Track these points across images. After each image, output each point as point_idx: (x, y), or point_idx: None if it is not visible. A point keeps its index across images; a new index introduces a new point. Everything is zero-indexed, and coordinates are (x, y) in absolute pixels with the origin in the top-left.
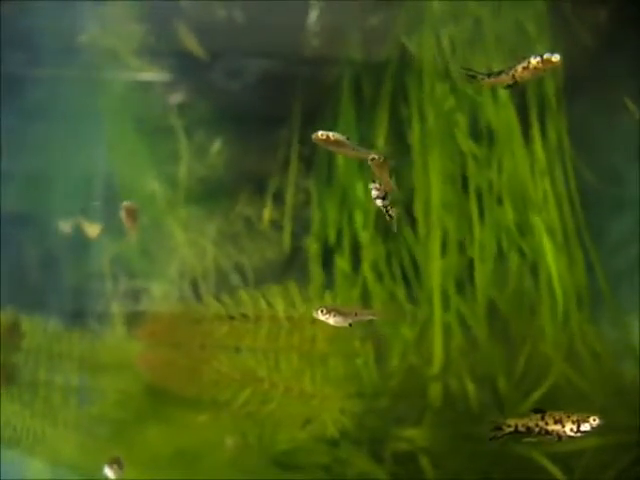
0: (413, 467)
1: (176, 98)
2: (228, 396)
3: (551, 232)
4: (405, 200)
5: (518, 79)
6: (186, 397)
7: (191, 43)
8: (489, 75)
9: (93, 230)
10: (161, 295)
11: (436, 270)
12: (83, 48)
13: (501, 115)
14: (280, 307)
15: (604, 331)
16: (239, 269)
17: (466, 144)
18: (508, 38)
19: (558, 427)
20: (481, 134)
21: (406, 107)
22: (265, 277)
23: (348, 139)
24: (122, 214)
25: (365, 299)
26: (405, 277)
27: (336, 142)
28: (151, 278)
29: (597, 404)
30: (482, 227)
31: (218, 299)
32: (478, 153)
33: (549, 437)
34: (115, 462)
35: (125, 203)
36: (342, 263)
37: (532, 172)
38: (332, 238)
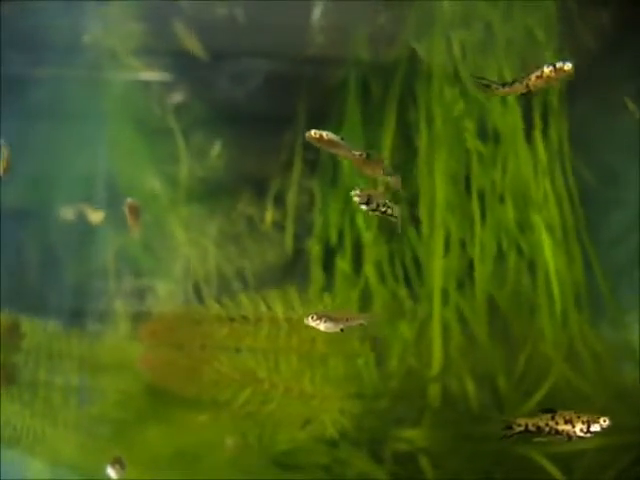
0: (413, 467)
1: (177, 98)
2: (228, 396)
3: (551, 231)
4: (410, 201)
5: (532, 88)
6: (186, 397)
7: (191, 43)
8: (503, 85)
9: (97, 216)
10: (164, 295)
11: (438, 270)
12: (84, 48)
13: (507, 117)
14: (279, 309)
15: (604, 331)
16: (241, 271)
17: (473, 146)
18: (517, 42)
19: (568, 427)
20: (487, 136)
21: (414, 109)
22: (267, 279)
23: (342, 139)
24: (125, 211)
25: (365, 300)
26: (407, 277)
27: (330, 142)
28: (153, 277)
29: (597, 404)
30: (483, 226)
31: (219, 301)
32: (484, 154)
33: (559, 437)
34: (117, 462)
35: (128, 200)
36: (343, 264)
37: (535, 172)
38: (334, 239)
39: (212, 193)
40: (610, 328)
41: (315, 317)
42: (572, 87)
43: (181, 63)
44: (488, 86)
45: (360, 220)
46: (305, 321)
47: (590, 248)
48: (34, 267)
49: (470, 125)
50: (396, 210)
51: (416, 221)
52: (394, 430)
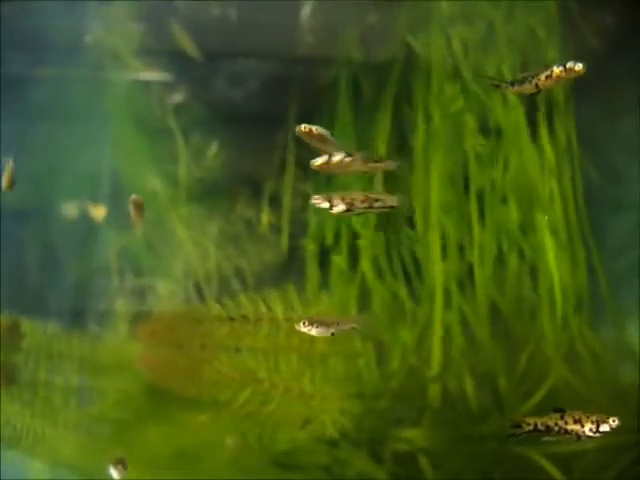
0: (412, 467)
1: (176, 98)
2: (228, 396)
3: (554, 232)
4: (405, 202)
5: (541, 87)
6: (186, 397)
7: (186, 43)
8: (513, 83)
9: (99, 212)
10: (164, 294)
11: (438, 272)
12: (86, 48)
13: (510, 115)
14: (279, 309)
15: (604, 333)
16: (239, 272)
17: (473, 144)
18: (518, 40)
19: (577, 427)
20: (488, 133)
21: (409, 108)
22: (264, 279)
23: (332, 135)
24: (129, 207)
25: (363, 298)
26: (406, 275)
27: (319, 136)
28: (153, 277)
29: (597, 405)
30: (483, 228)
31: (219, 301)
32: (483, 152)
33: (568, 436)
34: (120, 463)
35: (133, 196)
36: (339, 261)
37: (541, 171)
38: (330, 238)
39: (210, 194)
40: (610, 329)
41: (307, 323)
42: (576, 87)
43: (180, 63)
44: (498, 85)
45: (356, 219)
46: (297, 327)
47: (593, 250)
48: (34, 267)
49: (470, 122)
50: (389, 200)
51: (411, 223)
52: (394, 430)
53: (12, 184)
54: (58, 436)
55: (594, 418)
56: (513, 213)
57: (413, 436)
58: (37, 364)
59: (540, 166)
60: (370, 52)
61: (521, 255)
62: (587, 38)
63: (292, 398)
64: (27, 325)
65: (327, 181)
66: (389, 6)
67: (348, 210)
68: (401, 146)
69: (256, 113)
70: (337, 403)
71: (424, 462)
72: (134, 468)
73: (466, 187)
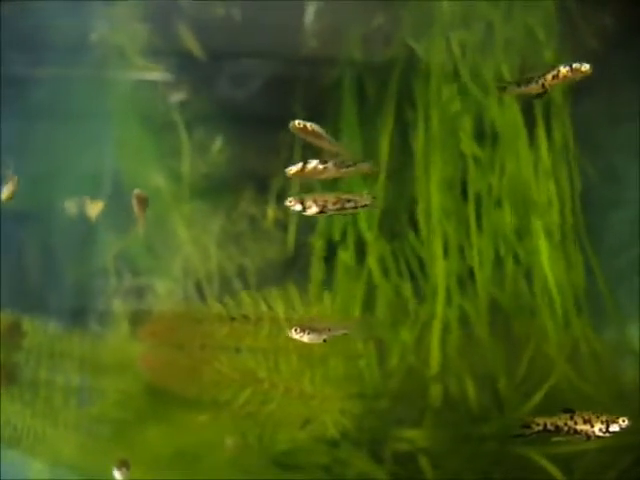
0: (413, 468)
1: (179, 97)
2: (228, 396)
3: (549, 234)
4: (408, 204)
5: (548, 88)
6: (186, 397)
7: (191, 43)
8: (519, 84)
9: (95, 208)
10: (165, 294)
11: (440, 272)
12: (91, 47)
13: (506, 116)
14: (280, 309)
15: (604, 333)
16: (242, 270)
17: (469, 147)
18: (517, 42)
19: (587, 427)
20: (485, 136)
21: (411, 110)
22: (268, 276)
23: (327, 132)
24: (133, 202)
25: (368, 296)
26: (408, 276)
27: (313, 132)
28: (154, 276)
29: (598, 406)
30: (480, 231)
31: (220, 300)
32: (481, 156)
33: (577, 437)
34: (123, 465)
35: (136, 191)
36: (346, 257)
37: (536, 174)
38: (337, 236)
39: (215, 189)
40: (611, 330)
41: (298, 329)
42: (574, 87)
43: (185, 62)
44: (504, 88)
45: (362, 220)
46: (288, 334)
47: (590, 251)
48: (35, 267)
49: (467, 125)
50: (361, 200)
51: (414, 225)
52: (394, 430)
53: (12, 196)
54: (58, 436)
55: (604, 418)
56: (508, 216)
57: (413, 436)
58: (38, 363)
59: (536, 168)
60: (375, 53)
61: (516, 258)
62: (586, 38)
63: (292, 398)
64: (28, 324)
65: (333, 181)
66: (394, 7)
67: (321, 212)
68: (404, 147)
69: (261, 112)
70: (337, 403)
71: (424, 462)
72: (135, 468)
73: (464, 190)
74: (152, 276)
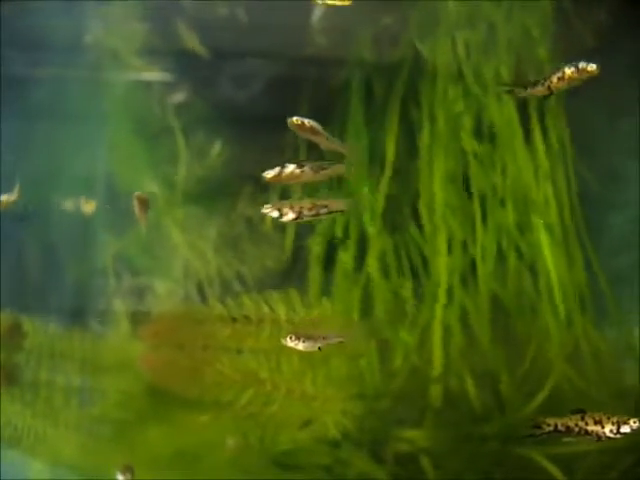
0: (414, 468)
1: (178, 98)
2: (230, 397)
3: (551, 233)
4: (411, 201)
5: (553, 89)
6: (188, 398)
7: (193, 43)
8: (525, 87)
9: (89, 206)
10: (166, 295)
11: (442, 269)
12: (85, 48)
13: (504, 114)
14: (281, 310)
15: (606, 332)
16: (241, 271)
17: (470, 146)
18: (516, 41)
19: (598, 428)
20: (485, 136)
21: (417, 110)
22: (268, 280)
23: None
24: (134, 203)
25: (367, 298)
26: (409, 274)
27: (311, 129)
28: (154, 277)
29: (600, 406)
30: (485, 228)
31: (221, 301)
32: (482, 155)
33: (588, 438)
34: (127, 470)
35: (136, 193)
36: (346, 258)
37: (535, 174)
38: (339, 233)
39: (214, 193)
40: (612, 329)
41: (293, 338)
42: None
43: (183, 63)
44: (511, 90)
45: (366, 219)
46: (283, 342)
47: (591, 250)
48: (35, 267)
49: (468, 124)
50: (336, 205)
51: (417, 221)
52: (395, 430)
53: (8, 206)
54: (59, 436)
55: (615, 419)
56: (511, 215)
57: (415, 436)
58: (38, 364)
59: (535, 168)
60: (382, 54)
61: (519, 255)
62: (582, 37)
63: (294, 399)
64: (29, 324)
65: (337, 182)
66: (402, 7)
67: (297, 218)
68: (409, 147)
69: (265, 114)
70: (339, 404)
71: (425, 462)
72: (136, 469)
73: (467, 189)
74: (153, 276)
